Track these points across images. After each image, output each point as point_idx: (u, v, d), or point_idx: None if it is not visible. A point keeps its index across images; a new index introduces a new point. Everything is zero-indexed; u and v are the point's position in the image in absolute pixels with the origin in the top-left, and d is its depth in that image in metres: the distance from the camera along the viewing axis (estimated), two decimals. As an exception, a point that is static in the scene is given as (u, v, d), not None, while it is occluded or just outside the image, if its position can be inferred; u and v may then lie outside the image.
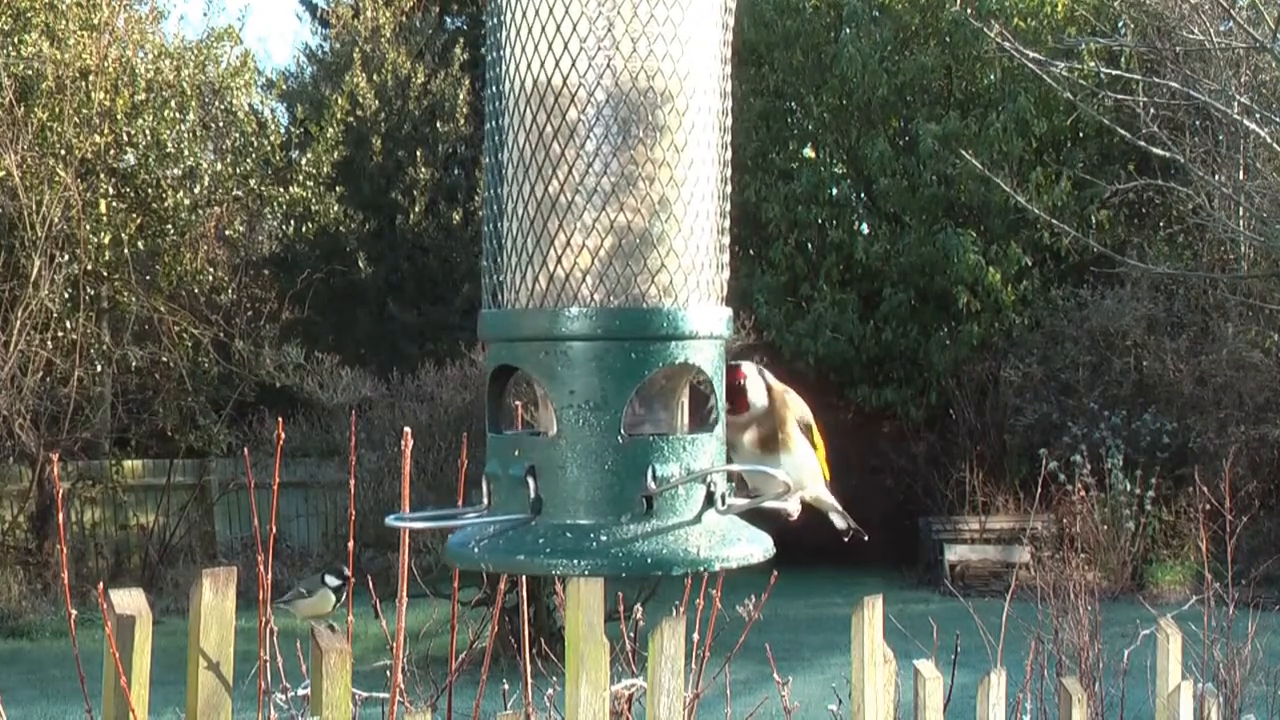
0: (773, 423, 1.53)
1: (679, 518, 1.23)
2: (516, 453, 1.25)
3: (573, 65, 1.22)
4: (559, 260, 1.23)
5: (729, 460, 1.32)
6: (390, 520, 1.34)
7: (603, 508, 1.21)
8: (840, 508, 1.68)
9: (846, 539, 1.71)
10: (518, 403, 1.66)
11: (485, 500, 1.27)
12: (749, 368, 1.52)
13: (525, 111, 1.25)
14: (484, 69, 1.33)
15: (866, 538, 1.68)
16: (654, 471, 1.21)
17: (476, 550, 1.23)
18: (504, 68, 1.27)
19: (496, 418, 1.32)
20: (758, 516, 1.33)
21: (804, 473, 1.55)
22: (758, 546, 1.26)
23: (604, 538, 1.20)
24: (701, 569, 1.22)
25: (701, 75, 1.26)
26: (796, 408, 1.58)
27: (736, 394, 1.49)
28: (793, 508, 1.49)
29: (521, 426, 1.48)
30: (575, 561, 1.19)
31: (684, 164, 1.25)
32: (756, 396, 1.52)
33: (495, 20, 1.29)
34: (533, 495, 1.22)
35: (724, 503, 1.26)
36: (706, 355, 1.26)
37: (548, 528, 1.21)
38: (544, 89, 1.23)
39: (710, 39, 1.27)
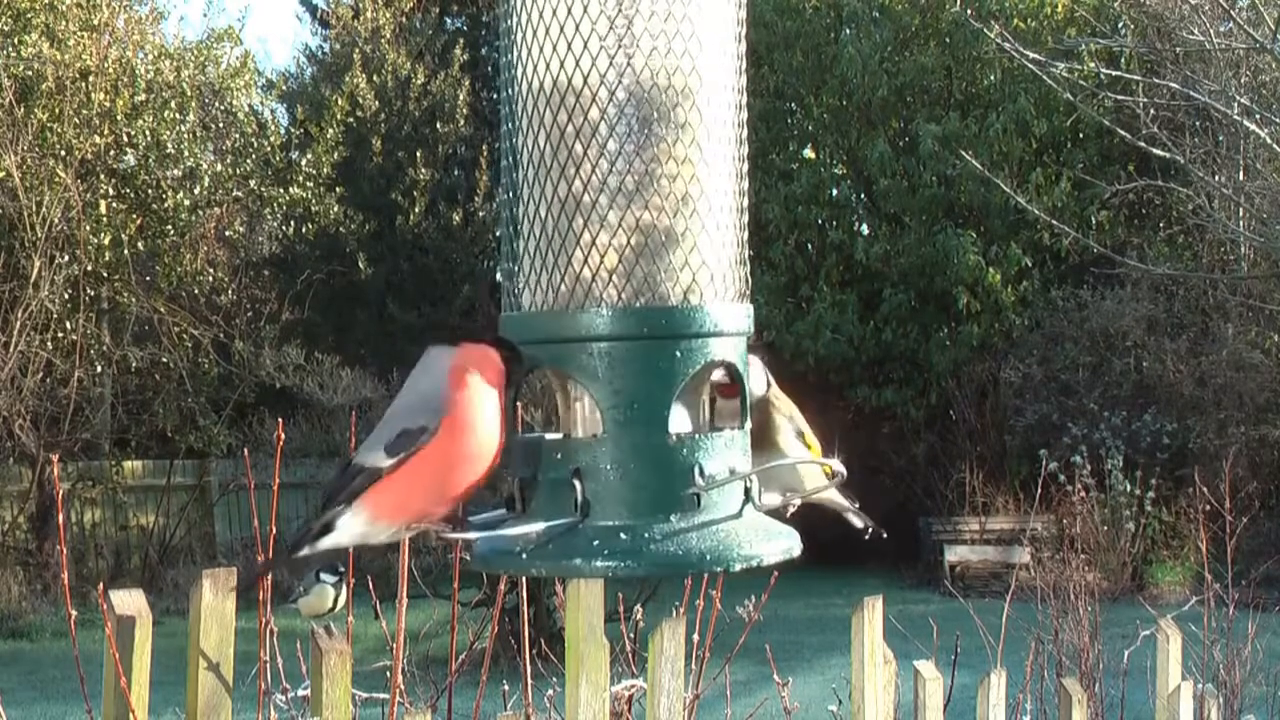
0: (760, 421, 1.52)
1: (725, 513, 1.23)
2: (558, 455, 1.23)
3: (593, 64, 1.21)
4: (598, 262, 1.22)
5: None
6: (448, 534, 1.32)
7: (655, 507, 1.20)
8: (853, 506, 1.66)
9: (867, 536, 1.69)
10: (519, 403, 1.66)
11: (519, 506, 1.26)
12: (755, 359, 1.52)
13: (544, 112, 1.24)
14: (496, 71, 1.33)
15: (885, 534, 1.67)
16: (701, 469, 1.21)
17: (525, 556, 1.21)
18: (518, 69, 1.27)
19: (515, 420, 1.31)
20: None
21: (792, 475, 1.54)
22: (794, 541, 1.26)
23: (658, 536, 1.19)
24: (754, 563, 1.22)
25: (719, 71, 1.26)
26: (787, 409, 1.57)
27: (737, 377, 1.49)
28: (792, 505, 1.50)
29: (521, 428, 1.48)
30: (632, 562, 1.18)
31: (705, 160, 1.24)
32: (755, 385, 1.51)
33: (509, 22, 1.28)
34: (580, 498, 1.20)
35: (760, 499, 1.26)
36: (736, 352, 1.26)
37: (598, 530, 1.20)
38: (564, 89, 1.23)
39: (727, 35, 1.27)
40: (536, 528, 1.22)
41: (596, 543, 1.19)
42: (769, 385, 1.55)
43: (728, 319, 1.24)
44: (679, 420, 1.26)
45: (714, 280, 1.24)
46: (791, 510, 1.51)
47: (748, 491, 1.25)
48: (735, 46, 1.28)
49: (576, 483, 1.20)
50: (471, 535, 1.26)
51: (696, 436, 1.23)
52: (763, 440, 1.52)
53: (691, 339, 1.22)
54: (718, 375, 1.45)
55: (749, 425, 1.29)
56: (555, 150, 1.23)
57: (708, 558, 1.19)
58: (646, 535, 1.19)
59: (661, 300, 1.22)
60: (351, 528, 1.22)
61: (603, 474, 1.21)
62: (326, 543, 1.23)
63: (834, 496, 1.61)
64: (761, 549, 1.22)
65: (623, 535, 1.19)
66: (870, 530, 1.68)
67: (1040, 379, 13.83)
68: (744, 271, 1.29)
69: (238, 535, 13.88)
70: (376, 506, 1.22)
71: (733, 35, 1.28)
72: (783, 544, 1.24)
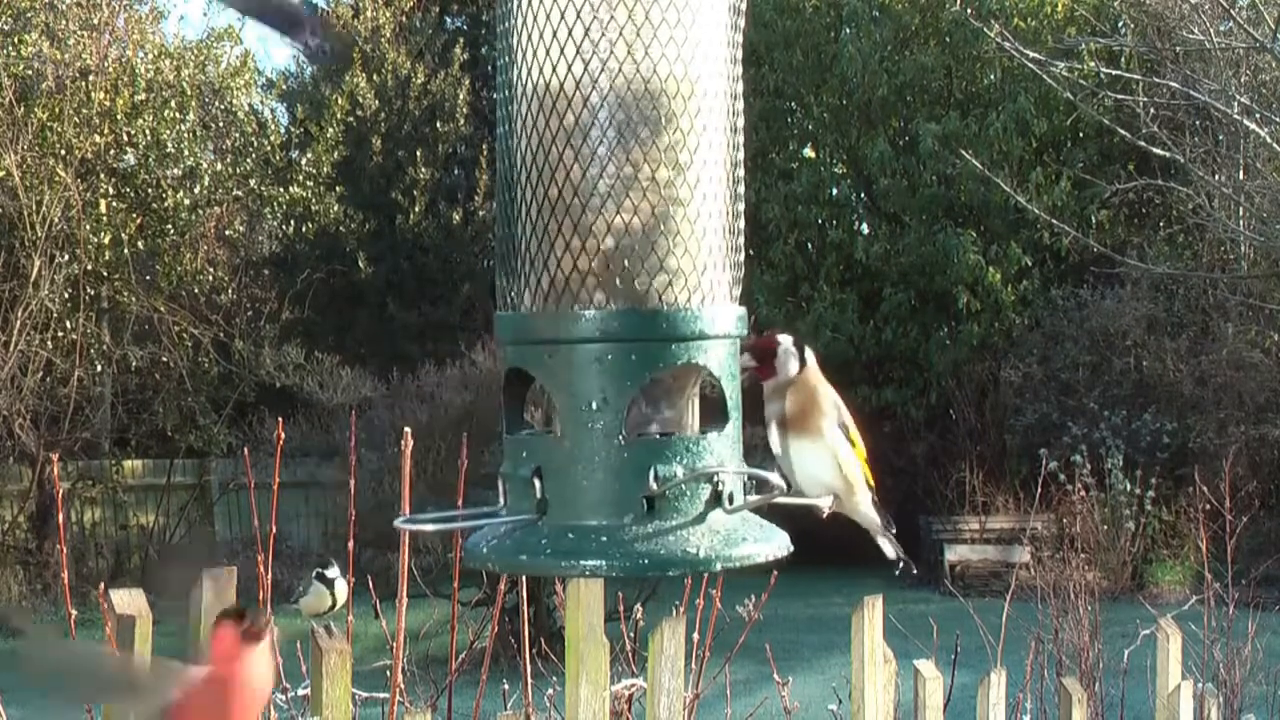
0: (803, 402, 1.45)
1: (682, 518, 1.22)
2: (524, 454, 1.25)
3: (585, 68, 1.22)
4: (574, 263, 1.23)
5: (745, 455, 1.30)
6: (398, 523, 1.34)
7: (605, 508, 1.21)
8: (884, 528, 1.52)
9: (897, 571, 1.59)
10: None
11: (501, 500, 1.27)
12: (785, 338, 1.46)
13: (537, 115, 1.25)
14: (492, 73, 1.34)
15: (915, 571, 1.60)
16: (655, 472, 1.21)
17: (485, 550, 1.24)
18: (514, 72, 1.27)
19: (510, 419, 1.32)
20: (775, 513, 1.32)
21: (834, 471, 1.46)
22: (767, 545, 1.25)
23: (604, 539, 1.20)
24: (701, 570, 1.22)
25: (712, 76, 1.26)
26: (831, 396, 1.48)
27: (767, 357, 1.44)
28: (824, 504, 1.44)
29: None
30: (576, 563, 1.20)
31: (694, 164, 1.25)
32: (787, 367, 1.44)
33: (505, 25, 1.28)
34: (538, 496, 1.22)
35: (732, 501, 1.25)
36: (717, 355, 1.26)
37: (551, 529, 1.21)
38: (556, 93, 1.23)
39: (720, 39, 1.27)
40: (501, 522, 1.23)
41: (544, 541, 1.21)
42: (804, 365, 1.46)
43: (708, 322, 1.24)
44: (655, 421, 1.26)
45: (691, 284, 1.24)
46: (828, 511, 1.45)
47: (718, 494, 1.24)
48: (729, 52, 1.28)
49: (536, 481, 1.21)
50: (429, 528, 1.30)
51: (655, 439, 1.24)
52: (806, 425, 1.45)
53: (652, 342, 1.22)
54: (745, 359, 1.42)
55: (731, 428, 1.28)
56: (547, 152, 1.24)
57: (646, 562, 1.19)
58: (594, 537, 1.20)
59: (645, 302, 1.22)
60: None
61: (560, 474, 1.22)
62: None
63: (862, 506, 1.51)
64: (713, 554, 1.21)
65: (570, 536, 1.20)
66: (901, 563, 1.56)
67: (1040, 378, 13.83)
68: (734, 275, 1.29)
69: (238, 535, 13.87)
70: None
71: (725, 41, 1.28)
72: (745, 549, 1.23)
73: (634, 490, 1.21)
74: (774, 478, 1.35)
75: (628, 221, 1.23)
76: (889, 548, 1.55)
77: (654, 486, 1.21)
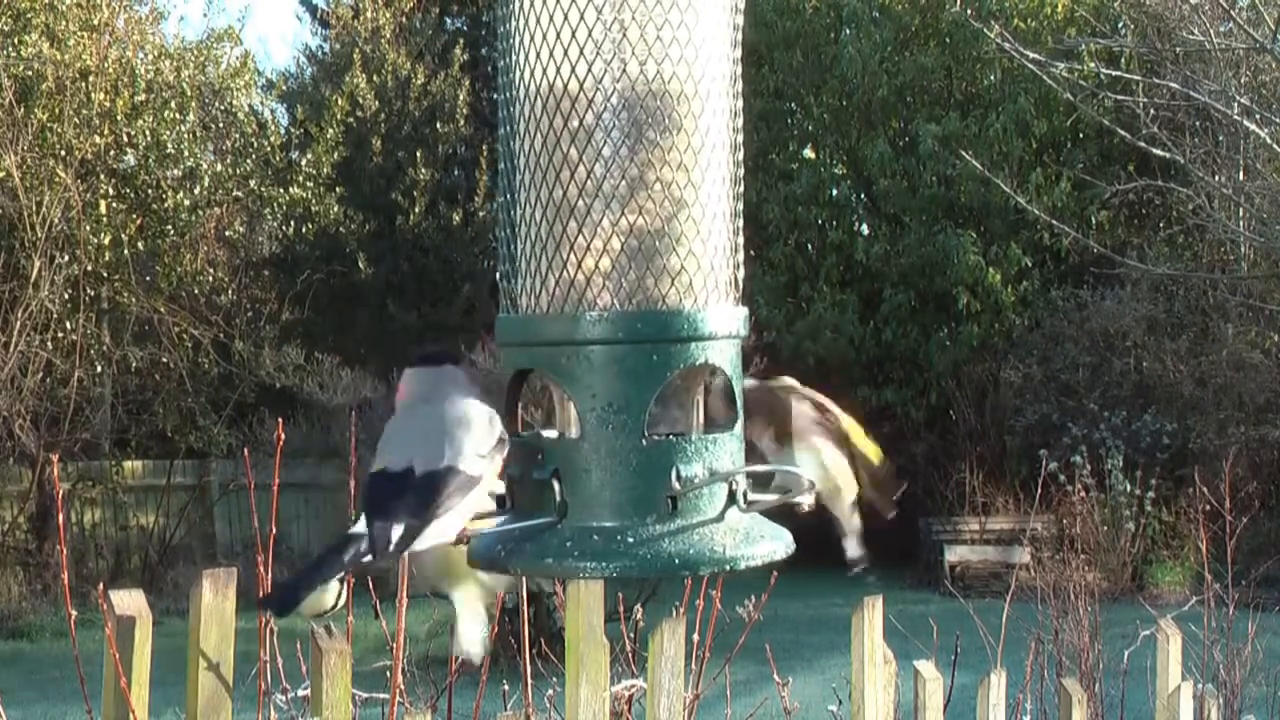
0: (781, 407, 1.51)
1: (703, 517, 1.23)
2: (540, 456, 1.24)
3: (589, 70, 1.22)
4: (579, 264, 1.23)
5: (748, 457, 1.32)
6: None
7: (628, 509, 1.21)
8: (856, 531, 1.61)
9: (850, 572, 1.67)
10: (520, 403, 1.66)
11: (509, 504, 1.27)
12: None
13: (540, 116, 1.25)
14: (494, 74, 1.33)
15: (873, 578, 1.66)
16: (678, 472, 1.22)
17: (503, 554, 1.23)
18: (516, 73, 1.27)
19: (514, 421, 1.32)
20: (772, 512, 1.33)
21: (820, 474, 1.53)
22: (780, 543, 1.26)
23: (630, 539, 1.20)
24: (728, 567, 1.22)
25: (714, 76, 1.26)
26: (813, 399, 1.56)
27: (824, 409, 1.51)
28: (807, 501, 1.48)
29: (522, 428, 1.48)
30: (604, 564, 1.19)
31: (699, 165, 1.25)
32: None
33: (507, 26, 1.28)
34: (558, 498, 1.21)
35: (745, 501, 1.26)
36: (725, 355, 1.26)
37: (574, 530, 1.21)
38: (560, 94, 1.23)
39: (721, 39, 1.27)
40: (518, 526, 1.23)
41: (569, 543, 1.20)
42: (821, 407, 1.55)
43: (718, 322, 1.25)
44: (663, 421, 1.26)
45: (697, 285, 1.25)
46: (807, 508, 1.49)
47: (732, 494, 1.25)
48: (730, 52, 1.28)
49: (555, 483, 1.21)
50: (470, 534, 1.28)
51: (674, 439, 1.24)
52: (785, 431, 1.51)
53: (671, 343, 1.23)
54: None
55: (739, 427, 1.29)
56: (550, 153, 1.24)
57: (677, 561, 1.20)
58: (619, 537, 1.20)
59: (653, 304, 1.22)
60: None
61: (580, 475, 1.22)
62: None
63: (849, 513, 1.58)
64: (737, 553, 1.22)
65: (595, 537, 1.20)
66: (858, 566, 1.65)
67: (1040, 379, 13.83)
68: (737, 275, 1.29)
69: (238, 535, 13.88)
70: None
71: (728, 40, 1.28)
72: (764, 547, 1.24)
73: (657, 491, 1.21)
74: (804, 474, 1.37)
75: (646, 222, 1.23)
76: (850, 547, 1.64)
77: (677, 486, 1.21)
